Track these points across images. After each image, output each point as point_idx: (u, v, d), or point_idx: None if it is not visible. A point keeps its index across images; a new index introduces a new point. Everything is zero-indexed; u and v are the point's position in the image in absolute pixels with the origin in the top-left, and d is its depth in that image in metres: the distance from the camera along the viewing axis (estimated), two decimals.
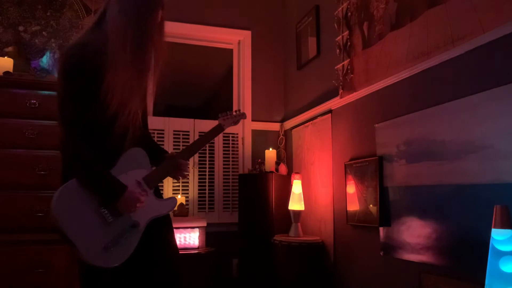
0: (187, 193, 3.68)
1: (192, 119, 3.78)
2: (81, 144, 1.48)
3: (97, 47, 1.50)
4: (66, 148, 1.53)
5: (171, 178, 1.86)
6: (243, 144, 3.89)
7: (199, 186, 3.74)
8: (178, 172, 1.76)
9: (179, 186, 3.65)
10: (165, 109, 3.87)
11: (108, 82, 1.48)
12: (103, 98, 1.48)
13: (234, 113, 1.98)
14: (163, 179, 1.79)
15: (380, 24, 2.45)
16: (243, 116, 2.02)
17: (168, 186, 3.63)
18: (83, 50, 1.50)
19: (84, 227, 1.48)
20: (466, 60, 1.82)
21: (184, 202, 3.50)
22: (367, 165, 2.46)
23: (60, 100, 1.51)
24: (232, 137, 3.87)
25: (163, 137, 3.66)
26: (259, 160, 3.65)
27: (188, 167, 1.78)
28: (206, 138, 1.91)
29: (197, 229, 3.24)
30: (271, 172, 3.48)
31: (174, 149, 3.66)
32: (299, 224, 3.05)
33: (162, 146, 3.47)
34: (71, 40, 3.42)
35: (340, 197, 2.80)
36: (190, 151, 1.84)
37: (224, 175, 3.81)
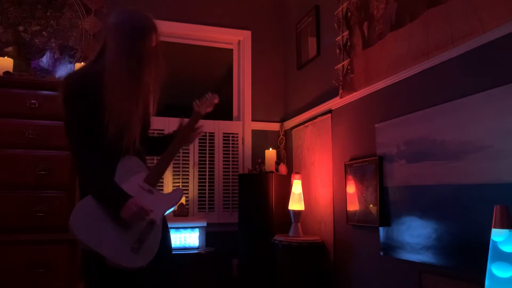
0: (187, 193, 3.68)
1: None
2: (87, 163, 1.59)
3: (96, 77, 1.60)
4: (76, 167, 1.65)
5: (171, 178, 1.92)
6: (243, 144, 3.89)
7: (199, 186, 3.74)
8: (188, 137, 1.86)
9: (179, 185, 3.65)
10: (165, 109, 3.86)
11: (107, 111, 1.57)
12: (104, 124, 1.58)
13: (206, 97, 2.02)
14: (164, 171, 1.84)
15: (380, 24, 2.45)
16: (214, 96, 2.04)
17: (168, 182, 3.62)
18: (82, 79, 1.63)
19: (106, 235, 1.55)
20: (466, 60, 1.83)
21: (184, 202, 3.50)
22: (367, 165, 2.46)
23: (65, 125, 1.62)
24: (232, 137, 3.88)
25: None
26: (259, 160, 3.65)
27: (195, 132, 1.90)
28: (188, 127, 1.94)
29: (197, 229, 3.24)
30: (271, 172, 3.48)
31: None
32: (299, 224, 3.05)
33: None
34: (71, 40, 3.43)
35: (340, 197, 2.80)
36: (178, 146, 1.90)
37: (224, 175, 3.81)
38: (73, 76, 1.67)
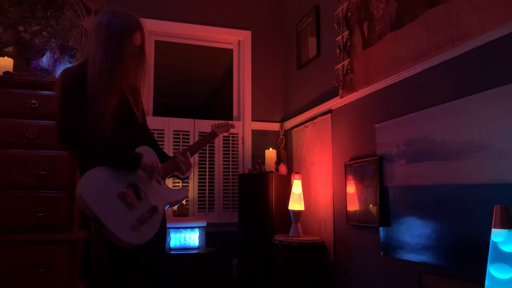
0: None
1: (192, 119, 3.78)
2: (90, 138, 1.68)
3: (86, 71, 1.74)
4: (80, 146, 1.70)
5: (171, 179, 2.05)
6: (243, 144, 3.89)
7: (199, 186, 3.74)
8: (180, 169, 1.98)
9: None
10: (165, 109, 3.87)
11: (89, 98, 1.71)
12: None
13: (224, 123, 2.38)
14: (172, 173, 1.98)
15: (380, 24, 2.45)
16: (231, 126, 2.41)
17: (168, 182, 3.61)
18: (77, 74, 1.74)
19: (111, 208, 1.66)
20: (466, 60, 1.83)
21: (184, 202, 3.50)
22: (367, 165, 2.46)
23: (61, 111, 1.70)
24: (232, 137, 3.87)
25: (163, 137, 3.66)
26: (259, 160, 3.65)
27: (190, 166, 2.02)
28: (203, 141, 2.20)
29: (197, 229, 3.24)
30: (271, 172, 3.48)
31: (174, 149, 3.66)
32: (299, 224, 3.05)
33: (162, 146, 3.54)
34: (71, 40, 3.43)
35: (340, 197, 2.80)
36: (190, 151, 2.07)
37: (224, 175, 3.81)
38: (72, 69, 1.80)
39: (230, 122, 2.42)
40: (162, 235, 1.90)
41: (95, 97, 1.70)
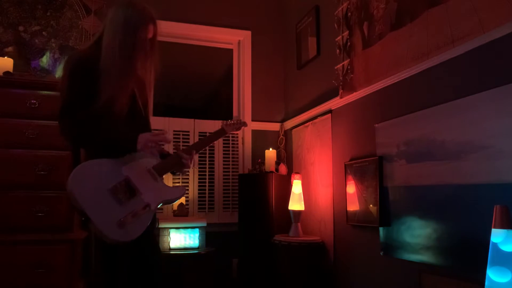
0: (187, 193, 3.68)
1: (192, 119, 3.78)
2: (88, 121, 1.67)
3: (96, 58, 1.73)
4: (76, 135, 1.72)
5: (171, 179, 2.01)
6: (243, 144, 3.89)
7: (199, 186, 3.74)
8: (180, 166, 1.92)
9: (179, 183, 3.65)
10: (165, 109, 3.87)
11: (101, 84, 1.70)
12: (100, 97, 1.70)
13: (236, 121, 2.25)
14: (171, 170, 1.94)
15: (380, 24, 2.45)
16: (244, 124, 2.27)
17: (168, 182, 3.61)
18: (87, 56, 1.75)
19: (98, 203, 1.60)
20: (466, 60, 1.83)
21: (184, 202, 3.50)
22: (367, 165, 2.46)
23: (65, 95, 1.71)
24: (232, 137, 3.88)
25: None
26: (259, 160, 3.65)
27: (189, 163, 1.95)
28: (209, 139, 2.14)
29: (197, 229, 3.24)
30: (271, 172, 3.48)
31: (174, 149, 3.66)
32: (299, 224, 3.05)
33: (162, 146, 3.54)
34: (71, 40, 3.43)
35: (340, 197, 2.80)
36: (196, 149, 2.03)
37: (224, 175, 3.81)
38: (79, 53, 1.81)
39: (240, 120, 2.31)
40: (151, 232, 1.87)
41: (112, 84, 1.69)
